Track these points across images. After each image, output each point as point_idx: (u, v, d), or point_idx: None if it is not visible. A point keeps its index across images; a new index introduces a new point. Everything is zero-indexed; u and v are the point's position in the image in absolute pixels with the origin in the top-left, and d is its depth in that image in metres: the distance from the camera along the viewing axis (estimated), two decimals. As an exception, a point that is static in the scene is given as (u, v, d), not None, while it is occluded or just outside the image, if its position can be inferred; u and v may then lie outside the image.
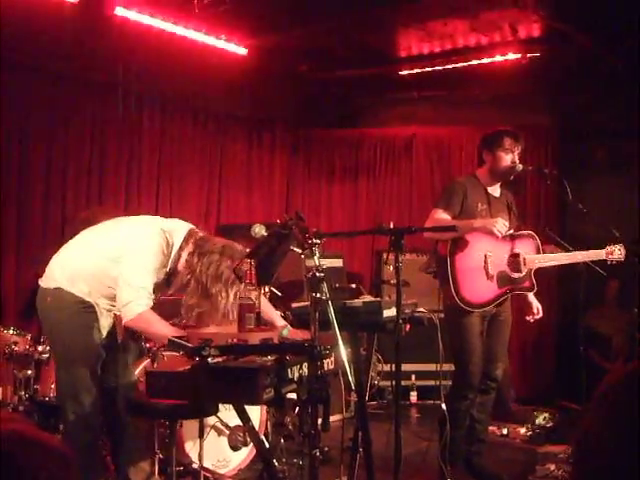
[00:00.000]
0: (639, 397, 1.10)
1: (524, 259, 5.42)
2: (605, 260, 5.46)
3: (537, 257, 5.48)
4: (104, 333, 4.45)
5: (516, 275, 5.40)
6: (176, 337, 3.60)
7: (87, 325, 4.37)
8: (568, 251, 5.69)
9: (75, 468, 1.20)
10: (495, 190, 5.55)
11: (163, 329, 4.10)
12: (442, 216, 5.27)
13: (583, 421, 1.17)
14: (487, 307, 5.33)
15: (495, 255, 5.33)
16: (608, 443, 1.10)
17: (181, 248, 4.31)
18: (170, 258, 4.31)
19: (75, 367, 4.34)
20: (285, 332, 4.16)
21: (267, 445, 4.25)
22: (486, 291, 5.32)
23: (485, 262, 5.31)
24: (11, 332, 5.68)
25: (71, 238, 4.76)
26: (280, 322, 4.40)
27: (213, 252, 4.23)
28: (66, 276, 4.37)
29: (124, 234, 4.41)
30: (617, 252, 5.45)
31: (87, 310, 4.36)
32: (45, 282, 4.46)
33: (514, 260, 5.42)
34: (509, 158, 5.42)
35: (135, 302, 4.14)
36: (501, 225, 5.20)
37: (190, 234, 4.36)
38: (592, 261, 5.58)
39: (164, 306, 4.63)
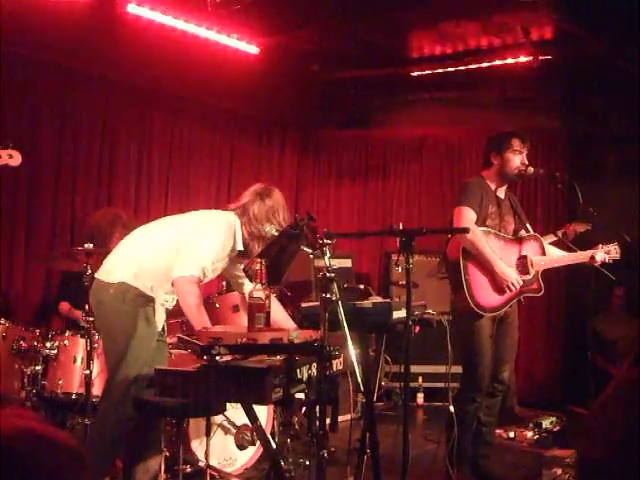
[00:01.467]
0: None
1: (531, 261, 5.41)
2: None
3: (543, 259, 5.48)
4: (159, 327, 4.60)
5: (525, 277, 5.38)
6: (186, 335, 3.61)
7: (147, 317, 4.48)
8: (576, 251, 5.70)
9: (86, 463, 1.20)
10: (501, 192, 5.53)
11: (198, 309, 4.21)
12: (472, 216, 5.23)
13: (590, 422, 1.16)
14: (499, 310, 5.32)
15: (504, 258, 5.31)
16: (617, 443, 1.09)
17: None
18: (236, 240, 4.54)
19: (132, 356, 4.40)
20: (295, 334, 4.17)
21: (274, 445, 4.24)
22: (497, 295, 5.30)
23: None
24: (20, 328, 5.69)
25: (85, 237, 4.83)
26: (292, 325, 4.40)
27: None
28: (131, 271, 4.47)
29: (194, 222, 4.61)
30: (614, 251, 5.55)
31: (148, 304, 4.48)
32: (106, 276, 4.54)
33: (522, 262, 5.41)
34: (518, 159, 5.41)
35: (190, 264, 4.30)
36: (516, 285, 5.25)
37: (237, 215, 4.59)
38: (601, 265, 5.57)
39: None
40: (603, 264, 5.53)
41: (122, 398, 4.36)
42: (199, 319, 4.14)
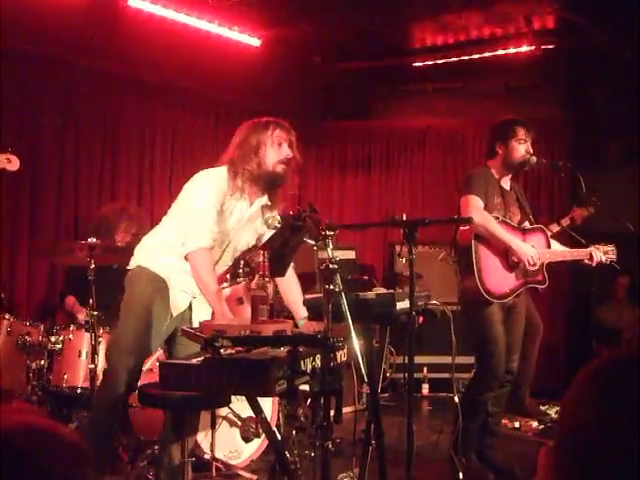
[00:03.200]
0: (628, 382, 1.10)
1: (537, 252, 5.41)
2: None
3: (549, 252, 5.47)
4: (174, 313, 4.53)
5: (531, 268, 5.38)
6: (189, 327, 3.61)
7: (160, 294, 4.46)
8: (580, 243, 5.69)
9: (90, 459, 1.20)
10: (506, 182, 5.51)
11: (208, 277, 4.21)
12: (480, 204, 5.20)
13: (566, 404, 1.17)
14: (507, 298, 5.31)
15: None
16: (594, 428, 1.10)
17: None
18: (239, 186, 4.46)
19: (140, 321, 4.40)
20: (301, 323, 4.18)
21: (279, 437, 4.24)
22: (506, 282, 5.29)
23: (506, 253, 5.29)
24: (24, 323, 5.70)
25: (92, 231, 4.85)
26: (301, 313, 4.40)
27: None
28: (145, 253, 4.52)
29: (183, 192, 4.56)
30: (611, 252, 5.54)
31: (161, 284, 4.46)
32: (130, 265, 4.58)
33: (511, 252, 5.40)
34: (523, 148, 5.38)
35: (200, 236, 4.28)
36: (535, 259, 5.26)
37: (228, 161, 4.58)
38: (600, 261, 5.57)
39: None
40: (600, 264, 5.50)
41: (129, 352, 4.38)
42: (214, 291, 4.15)
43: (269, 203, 4.55)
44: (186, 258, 4.32)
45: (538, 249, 5.39)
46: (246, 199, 4.48)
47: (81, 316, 6.08)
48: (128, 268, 4.57)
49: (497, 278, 5.25)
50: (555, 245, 5.63)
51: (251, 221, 4.58)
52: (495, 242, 5.22)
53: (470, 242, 5.20)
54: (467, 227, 5.24)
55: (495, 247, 5.25)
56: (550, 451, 1.18)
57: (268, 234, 4.60)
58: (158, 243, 4.51)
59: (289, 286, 4.50)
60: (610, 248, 5.54)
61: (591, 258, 5.48)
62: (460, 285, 5.39)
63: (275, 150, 4.52)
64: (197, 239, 4.27)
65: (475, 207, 5.18)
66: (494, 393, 5.37)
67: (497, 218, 5.28)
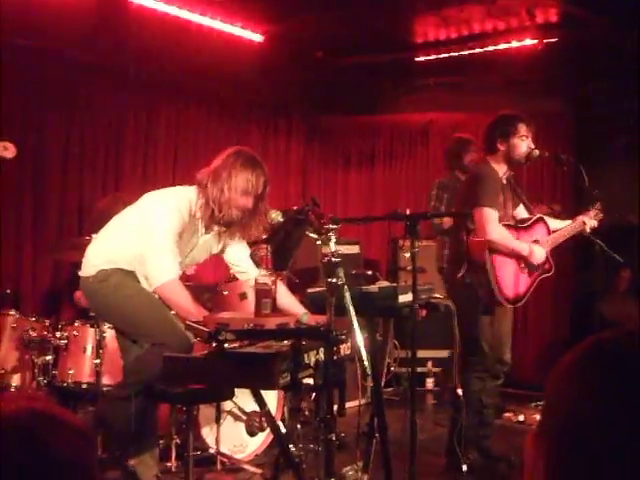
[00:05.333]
0: (601, 370, 1.12)
1: (542, 243, 5.44)
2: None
3: (549, 238, 5.50)
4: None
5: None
6: (193, 321, 3.62)
7: (138, 280, 4.42)
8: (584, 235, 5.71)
9: (95, 447, 1.22)
10: (504, 177, 5.51)
11: (187, 303, 4.17)
12: (495, 216, 5.19)
13: (549, 389, 1.19)
14: (523, 299, 5.35)
15: None
16: (575, 411, 1.11)
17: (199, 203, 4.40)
18: (198, 217, 4.41)
19: (146, 310, 4.37)
20: (305, 317, 4.18)
21: (283, 430, 4.26)
22: (522, 283, 5.34)
23: (519, 256, 5.32)
24: (29, 319, 5.72)
25: (90, 229, 4.81)
26: (299, 309, 4.41)
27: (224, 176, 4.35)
28: (104, 258, 4.43)
29: (145, 205, 4.51)
30: (599, 212, 5.65)
31: (132, 274, 4.42)
32: (84, 271, 4.51)
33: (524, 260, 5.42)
34: (525, 145, 5.37)
35: (164, 268, 4.22)
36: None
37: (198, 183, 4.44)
38: (609, 247, 5.57)
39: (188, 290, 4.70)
40: (610, 242, 5.52)
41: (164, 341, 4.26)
42: (189, 309, 4.12)
43: (221, 233, 4.54)
44: (154, 292, 4.30)
45: (542, 240, 5.43)
46: (199, 230, 4.51)
47: None
48: (84, 276, 4.50)
49: (513, 283, 5.28)
50: (554, 224, 5.64)
51: (203, 245, 4.59)
52: (513, 253, 5.26)
53: (484, 256, 5.17)
54: (479, 242, 5.23)
55: (507, 254, 5.27)
56: (535, 436, 1.19)
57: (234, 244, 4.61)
58: (118, 252, 4.43)
59: (278, 290, 4.47)
60: (596, 208, 5.58)
61: (584, 224, 5.52)
62: (474, 288, 5.28)
63: (237, 198, 4.37)
64: (163, 273, 4.23)
65: (492, 222, 5.16)
66: (483, 383, 5.40)
67: (506, 226, 5.31)
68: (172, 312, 4.37)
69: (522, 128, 5.36)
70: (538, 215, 5.59)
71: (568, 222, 5.66)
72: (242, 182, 4.33)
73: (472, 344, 5.32)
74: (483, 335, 5.32)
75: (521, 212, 5.62)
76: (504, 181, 5.48)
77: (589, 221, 5.55)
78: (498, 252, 5.20)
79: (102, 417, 4.62)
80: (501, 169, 5.43)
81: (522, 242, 5.32)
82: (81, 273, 4.54)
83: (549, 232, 5.54)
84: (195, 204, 4.39)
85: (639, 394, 1.06)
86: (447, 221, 7.01)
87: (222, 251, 4.71)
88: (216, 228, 4.51)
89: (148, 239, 4.30)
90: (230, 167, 4.36)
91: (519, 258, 5.31)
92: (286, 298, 4.46)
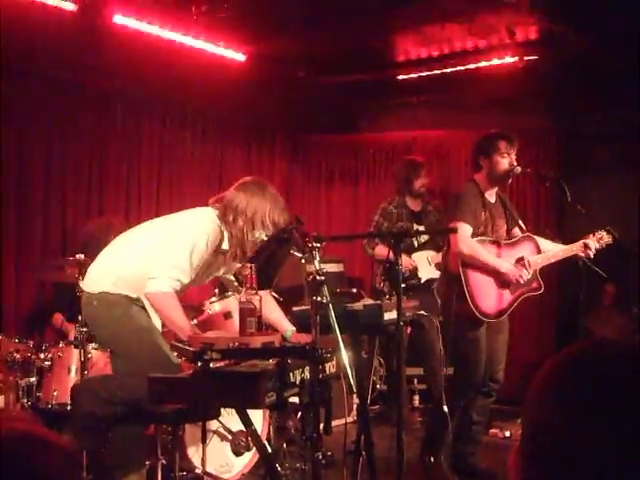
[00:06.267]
0: (581, 376, 1.14)
1: (528, 261, 5.45)
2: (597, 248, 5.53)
3: (539, 257, 5.53)
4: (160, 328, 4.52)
5: (523, 280, 5.44)
6: (178, 341, 3.62)
7: (141, 310, 4.42)
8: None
9: (81, 467, 1.22)
10: (492, 195, 5.57)
11: (178, 316, 4.16)
12: (467, 231, 5.26)
13: (527, 403, 1.21)
14: (504, 315, 5.38)
15: None
16: (553, 424, 1.13)
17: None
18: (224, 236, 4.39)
19: (148, 345, 4.33)
20: (289, 334, 4.19)
21: (270, 450, 4.24)
22: (502, 299, 5.37)
23: (497, 271, 5.35)
24: (13, 340, 5.69)
25: (76, 250, 4.81)
26: (287, 325, 4.41)
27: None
28: (110, 281, 4.41)
29: (173, 223, 4.50)
30: (606, 236, 5.54)
31: (136, 302, 4.41)
32: (88, 286, 4.51)
33: (520, 264, 5.44)
34: (506, 162, 5.43)
35: (162, 279, 4.19)
36: (525, 277, 5.36)
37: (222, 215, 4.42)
38: (592, 262, 5.59)
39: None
40: (594, 257, 5.53)
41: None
42: (181, 324, 4.12)
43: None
44: (146, 297, 4.29)
45: (529, 257, 5.45)
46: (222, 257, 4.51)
47: (72, 334, 6.05)
48: (87, 291, 4.50)
49: (491, 298, 5.32)
50: (547, 245, 5.66)
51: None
52: (485, 266, 5.29)
53: (458, 269, 5.26)
54: (454, 254, 5.31)
55: (484, 268, 5.31)
56: (516, 453, 1.20)
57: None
58: (125, 273, 4.41)
59: (266, 304, 4.42)
60: (603, 232, 5.57)
61: (586, 248, 5.49)
62: (454, 306, 5.35)
63: (264, 233, 4.37)
64: (162, 283, 4.21)
65: (463, 237, 5.24)
66: (469, 399, 5.42)
67: (483, 241, 5.35)
68: (169, 350, 4.37)
69: (502, 145, 5.41)
70: (527, 233, 5.61)
71: (561, 246, 5.67)
72: (276, 217, 4.34)
73: (464, 369, 5.35)
74: (479, 364, 5.34)
75: (518, 231, 5.66)
76: (492, 199, 5.52)
77: (592, 243, 5.53)
78: (471, 266, 5.25)
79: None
80: (486, 187, 5.49)
81: (497, 258, 5.35)
82: (84, 287, 4.56)
83: (538, 251, 5.56)
84: (222, 230, 4.40)
85: (608, 405, 1.07)
86: (379, 254, 7.14)
87: (226, 272, 4.75)
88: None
89: (164, 254, 4.29)
90: (265, 210, 4.34)
91: (495, 272, 5.33)
92: (274, 313, 4.48)
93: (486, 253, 5.31)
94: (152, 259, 4.31)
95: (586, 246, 5.50)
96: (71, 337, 5.98)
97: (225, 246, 4.42)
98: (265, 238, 4.22)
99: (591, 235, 5.55)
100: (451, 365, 5.48)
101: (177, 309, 4.21)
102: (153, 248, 4.38)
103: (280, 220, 4.32)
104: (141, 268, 4.34)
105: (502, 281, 5.37)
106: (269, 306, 4.49)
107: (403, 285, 3.99)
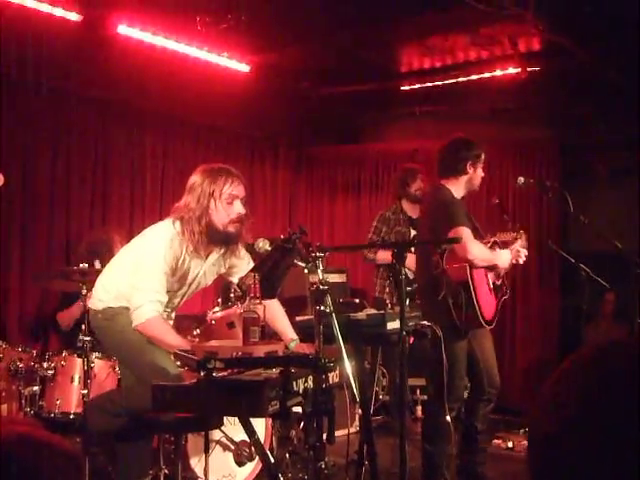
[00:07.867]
0: (607, 372, 1.13)
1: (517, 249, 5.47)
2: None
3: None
4: None
5: (499, 282, 5.45)
6: (182, 350, 3.63)
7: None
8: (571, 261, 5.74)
9: (82, 467, 1.23)
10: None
11: (170, 338, 4.17)
12: (469, 233, 5.15)
13: (545, 397, 1.20)
14: (495, 321, 5.37)
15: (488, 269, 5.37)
16: (571, 420, 1.12)
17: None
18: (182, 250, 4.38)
19: (153, 355, 4.32)
20: (292, 345, 4.19)
21: (272, 459, 4.24)
22: (492, 305, 5.35)
23: (487, 277, 5.35)
24: (16, 349, 5.69)
25: (79, 259, 4.84)
26: (292, 334, 4.42)
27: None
28: (111, 295, 4.47)
29: (135, 243, 4.56)
30: (524, 241, 5.55)
31: None
32: (93, 303, 4.58)
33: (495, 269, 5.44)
34: (482, 172, 5.46)
35: (144, 307, 4.23)
36: (522, 253, 5.38)
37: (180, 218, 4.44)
38: (594, 272, 5.59)
39: (176, 320, 4.72)
40: (596, 267, 5.53)
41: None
42: (174, 344, 4.11)
43: (226, 251, 4.56)
44: (137, 329, 4.30)
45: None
46: (201, 257, 4.49)
47: (77, 310, 6.01)
48: (93, 308, 4.56)
49: (487, 304, 5.29)
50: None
51: (210, 267, 4.61)
52: (485, 267, 5.26)
53: (465, 277, 5.13)
54: (456, 262, 5.17)
55: (480, 273, 5.27)
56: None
57: (238, 263, 4.62)
58: (121, 288, 4.44)
59: (273, 312, 4.45)
60: (519, 236, 5.56)
61: (518, 254, 5.47)
62: (456, 314, 5.17)
63: (225, 208, 4.42)
64: (142, 313, 4.25)
65: (470, 239, 5.11)
66: (454, 413, 5.32)
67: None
68: (168, 360, 4.38)
69: (483, 156, 5.42)
70: (493, 239, 5.55)
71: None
72: (225, 190, 4.44)
73: (448, 377, 5.31)
74: (461, 363, 5.29)
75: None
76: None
77: (522, 250, 5.51)
78: (475, 271, 5.22)
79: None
80: (459, 193, 5.42)
81: (492, 253, 5.31)
82: (90, 305, 4.63)
83: None
84: (183, 236, 4.38)
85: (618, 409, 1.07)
86: (381, 258, 7.14)
87: (228, 273, 4.76)
88: (216, 252, 4.53)
89: (134, 277, 4.34)
90: (208, 185, 4.46)
91: (486, 276, 5.32)
92: (279, 321, 4.49)
93: (488, 251, 5.27)
94: (132, 276, 4.35)
95: (517, 252, 5.47)
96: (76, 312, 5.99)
97: (190, 249, 4.40)
98: (268, 248, 4.23)
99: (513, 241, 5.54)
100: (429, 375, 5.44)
101: (168, 332, 4.25)
102: (131, 266, 4.43)
103: (231, 187, 4.50)
104: (128, 284, 4.40)
105: (490, 286, 5.36)
106: (276, 314, 4.52)
107: (409, 288, 3.98)
